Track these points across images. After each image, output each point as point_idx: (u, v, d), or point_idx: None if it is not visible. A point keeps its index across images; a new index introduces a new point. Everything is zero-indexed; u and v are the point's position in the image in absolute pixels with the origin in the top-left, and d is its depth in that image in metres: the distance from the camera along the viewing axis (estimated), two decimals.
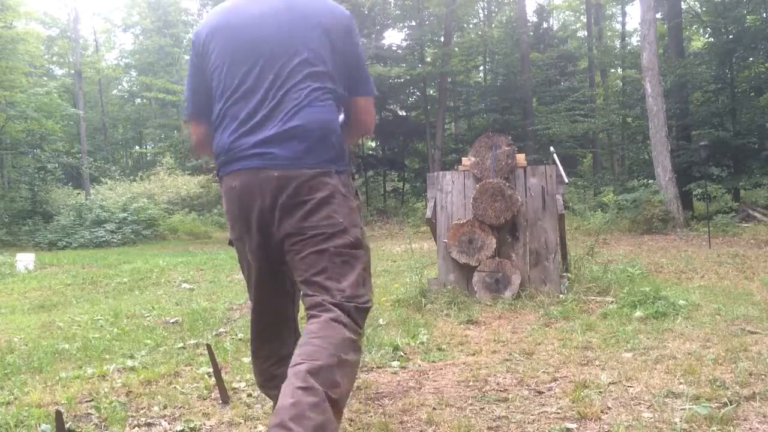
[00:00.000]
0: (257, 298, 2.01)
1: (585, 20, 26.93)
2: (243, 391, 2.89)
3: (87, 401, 2.84)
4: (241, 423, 2.47)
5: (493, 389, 2.76)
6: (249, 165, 1.75)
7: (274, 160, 1.73)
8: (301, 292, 1.79)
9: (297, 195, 1.73)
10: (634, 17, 43.37)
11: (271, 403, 2.67)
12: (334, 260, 1.73)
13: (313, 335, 1.62)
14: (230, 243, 2.00)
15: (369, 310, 1.78)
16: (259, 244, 1.83)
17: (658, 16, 16.67)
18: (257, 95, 1.77)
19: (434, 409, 2.53)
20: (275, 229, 1.77)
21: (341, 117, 1.91)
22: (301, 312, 1.93)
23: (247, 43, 1.80)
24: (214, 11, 1.92)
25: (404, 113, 23.93)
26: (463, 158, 5.52)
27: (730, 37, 16.18)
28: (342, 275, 1.73)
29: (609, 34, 30.22)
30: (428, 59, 22.48)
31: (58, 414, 2.22)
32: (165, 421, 2.55)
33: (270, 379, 2.05)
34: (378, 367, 3.25)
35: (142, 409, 2.71)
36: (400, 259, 9.25)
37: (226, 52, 1.82)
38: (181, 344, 4.02)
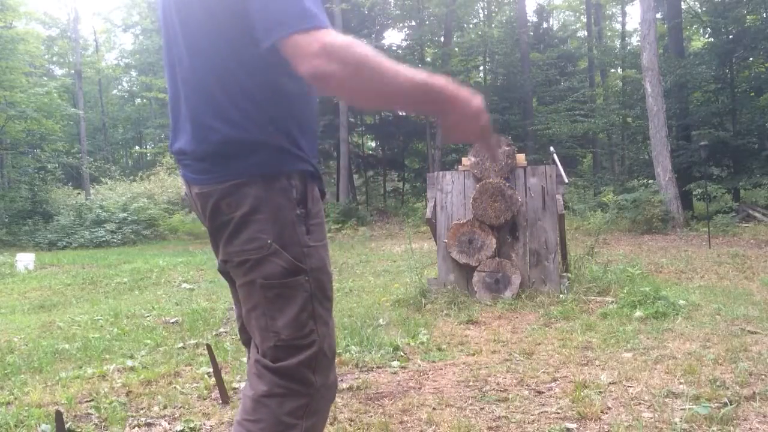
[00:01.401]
0: (237, 312, 1.59)
1: (585, 20, 26.93)
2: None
3: (87, 401, 2.84)
4: None
5: (493, 389, 2.76)
6: (183, 176, 1.45)
7: (191, 174, 1.40)
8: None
9: (216, 215, 1.37)
10: (634, 17, 43.36)
11: None
12: (265, 294, 1.35)
13: (244, 418, 1.35)
14: None
15: (321, 353, 1.37)
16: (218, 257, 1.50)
17: (658, 16, 16.67)
18: (171, 98, 1.46)
19: (434, 409, 2.53)
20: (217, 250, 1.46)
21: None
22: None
23: (168, 35, 1.43)
24: None
25: (404, 113, 23.91)
26: (463, 158, 5.52)
27: (730, 37, 16.18)
28: (276, 313, 1.35)
29: (609, 34, 30.22)
30: (428, 59, 22.48)
31: (58, 414, 2.22)
32: (165, 421, 2.55)
33: None
34: (378, 367, 3.25)
35: (142, 409, 2.71)
36: (400, 259, 9.25)
37: (163, 43, 1.49)
38: (181, 344, 4.02)
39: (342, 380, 3.02)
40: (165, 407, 2.71)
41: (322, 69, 1.13)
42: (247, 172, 1.34)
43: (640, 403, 2.48)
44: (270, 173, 1.35)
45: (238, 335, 1.60)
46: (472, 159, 5.23)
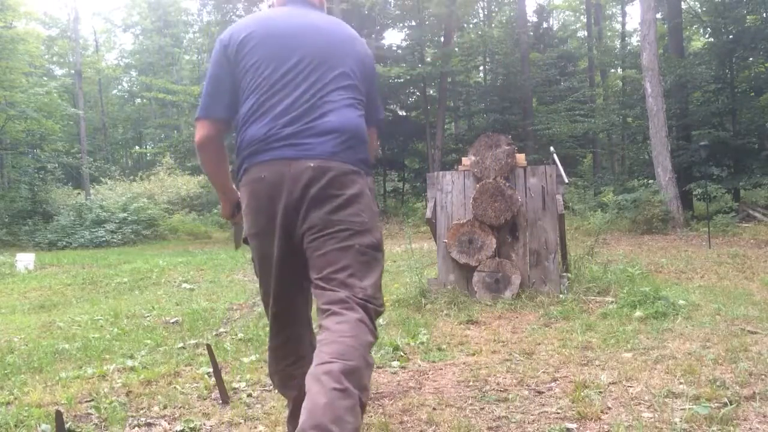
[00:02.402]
0: (276, 295, 1.87)
1: (585, 20, 26.93)
2: (243, 391, 2.89)
3: (87, 401, 2.84)
4: (241, 423, 2.47)
5: (493, 389, 2.76)
6: (281, 155, 1.74)
7: (310, 151, 1.73)
8: (314, 288, 1.76)
9: (329, 187, 1.72)
10: (634, 17, 43.39)
11: (272, 403, 2.68)
12: (359, 258, 1.72)
13: (344, 335, 1.59)
14: (245, 240, 1.93)
15: (380, 315, 1.77)
16: (281, 237, 1.78)
17: (658, 16, 16.66)
18: (297, 91, 1.79)
19: (434, 409, 2.53)
20: (299, 222, 1.75)
21: None
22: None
23: (290, 46, 1.84)
24: (251, 18, 1.95)
25: (404, 113, 23.89)
26: (463, 158, 5.52)
27: (730, 37, 16.18)
28: (364, 275, 1.73)
29: (609, 34, 30.22)
30: (428, 59, 22.46)
31: (58, 414, 2.22)
32: (165, 421, 2.55)
33: (288, 379, 1.96)
34: (378, 367, 3.25)
35: (142, 409, 2.71)
36: (400, 259, 9.24)
37: (267, 51, 1.84)
38: (181, 344, 4.02)
39: None
40: (165, 407, 2.71)
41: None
42: (360, 166, 1.80)
43: (640, 403, 2.48)
44: (369, 173, 1.87)
45: (273, 304, 1.89)
46: (472, 158, 5.23)
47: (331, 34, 1.90)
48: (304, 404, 1.49)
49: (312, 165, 1.72)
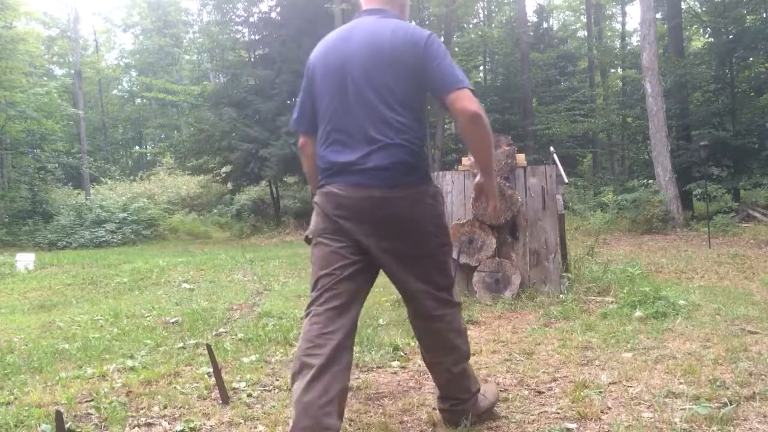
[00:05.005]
0: (347, 290, 2.07)
1: (585, 20, 26.92)
2: (243, 391, 2.89)
3: (87, 401, 2.84)
4: (241, 423, 2.47)
5: None
6: (351, 181, 2.02)
7: (369, 178, 1.99)
8: (402, 290, 2.17)
9: (395, 211, 2.00)
10: (634, 17, 43.38)
11: (271, 403, 2.68)
12: (434, 261, 2.11)
13: (439, 313, 2.15)
14: (307, 239, 2.20)
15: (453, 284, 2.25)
16: (357, 246, 2.05)
17: (658, 16, 16.67)
18: (350, 122, 2.05)
19: (434, 409, 2.53)
20: (373, 238, 2.03)
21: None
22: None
23: (339, 76, 2.08)
24: (321, 43, 2.22)
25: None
26: (463, 158, 5.52)
27: (730, 37, 16.17)
28: (441, 275, 2.14)
29: (609, 34, 30.21)
30: None
31: (58, 414, 2.22)
32: (165, 421, 2.55)
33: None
34: (378, 367, 3.25)
35: (142, 409, 2.71)
36: None
37: (324, 82, 2.12)
38: (181, 344, 4.02)
39: None
40: (165, 407, 2.70)
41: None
42: (417, 185, 2.07)
43: (640, 403, 2.48)
44: (428, 183, 2.15)
45: (328, 301, 2.06)
46: (472, 159, 5.22)
47: (377, 48, 2.05)
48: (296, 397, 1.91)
49: (378, 195, 1.99)
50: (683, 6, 17.79)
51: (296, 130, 2.27)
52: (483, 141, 2.00)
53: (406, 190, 2.01)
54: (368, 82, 2.03)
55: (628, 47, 23.54)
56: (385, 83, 2.02)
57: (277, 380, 3.06)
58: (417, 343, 2.36)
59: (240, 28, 23.05)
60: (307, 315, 2.06)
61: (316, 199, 2.14)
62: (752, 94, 16.41)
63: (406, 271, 2.09)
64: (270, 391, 2.91)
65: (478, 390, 2.30)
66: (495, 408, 2.40)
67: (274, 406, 2.64)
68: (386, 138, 2.00)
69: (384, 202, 1.99)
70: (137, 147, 37.48)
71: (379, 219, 2.01)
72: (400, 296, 5.32)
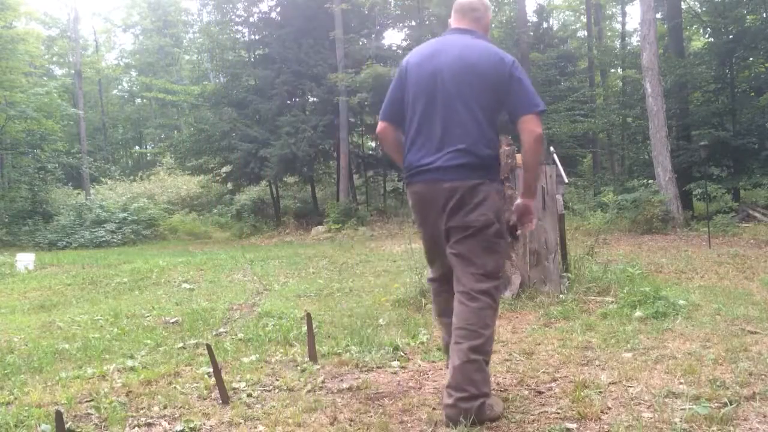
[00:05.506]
0: (435, 257, 2.64)
1: (585, 20, 26.91)
2: (243, 391, 2.89)
3: (87, 401, 2.84)
4: (241, 423, 2.47)
5: (493, 389, 2.76)
6: (428, 178, 2.44)
7: (446, 176, 2.39)
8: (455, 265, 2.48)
9: (462, 199, 2.39)
10: (634, 17, 43.39)
11: (272, 403, 2.68)
12: (482, 245, 2.42)
13: (472, 290, 2.40)
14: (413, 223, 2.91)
15: (500, 281, 2.55)
16: (433, 229, 2.53)
17: (658, 16, 16.66)
18: (436, 128, 2.42)
19: (434, 409, 2.53)
20: (443, 223, 2.45)
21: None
22: None
23: (431, 87, 2.44)
24: (417, 50, 2.59)
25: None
26: None
27: (730, 37, 16.16)
28: (487, 257, 2.44)
29: (609, 34, 30.19)
30: None
31: (58, 414, 2.22)
32: (165, 421, 2.55)
33: (445, 304, 2.62)
34: (378, 367, 3.25)
35: (142, 409, 2.71)
36: (400, 259, 9.24)
37: (417, 89, 2.48)
38: (181, 344, 4.02)
39: (342, 380, 3.03)
40: (165, 407, 2.71)
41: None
42: (482, 179, 2.42)
43: (640, 403, 2.48)
44: (494, 180, 2.50)
45: (436, 272, 2.69)
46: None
47: (467, 66, 2.41)
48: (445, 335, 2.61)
49: (449, 186, 2.39)
50: (683, 6, 17.78)
51: (381, 118, 2.62)
52: (536, 158, 2.46)
53: (473, 182, 2.39)
54: (457, 92, 2.39)
55: (628, 47, 23.52)
56: (472, 95, 2.39)
57: (277, 380, 3.06)
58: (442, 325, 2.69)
59: (240, 28, 23.06)
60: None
61: (407, 194, 2.61)
62: (752, 94, 16.39)
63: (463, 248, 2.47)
64: (270, 391, 2.91)
65: (487, 395, 2.33)
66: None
67: (274, 406, 2.64)
68: (466, 142, 2.38)
69: (453, 192, 2.39)
70: (137, 147, 37.46)
71: (449, 204, 2.41)
72: (399, 296, 5.33)
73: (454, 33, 2.55)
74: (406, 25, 22.97)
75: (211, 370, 2.95)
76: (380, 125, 2.64)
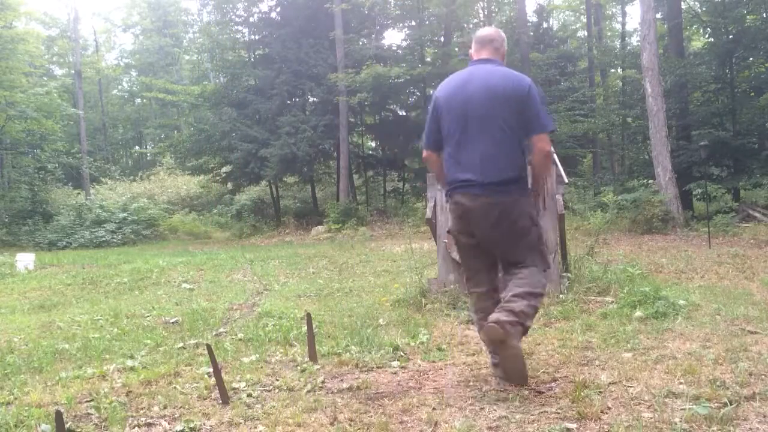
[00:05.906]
0: (476, 266, 3.01)
1: (585, 20, 26.90)
2: (243, 391, 2.89)
3: (87, 401, 2.84)
4: (241, 423, 2.47)
5: (493, 389, 2.76)
6: (468, 192, 2.82)
7: (485, 190, 2.78)
8: (503, 265, 2.94)
9: (502, 213, 2.80)
10: (634, 17, 43.39)
11: (272, 403, 2.69)
12: (525, 245, 2.86)
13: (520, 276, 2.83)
14: (448, 231, 3.31)
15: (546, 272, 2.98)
16: (476, 238, 2.91)
17: (658, 16, 16.66)
18: (470, 150, 2.82)
19: (434, 409, 2.53)
20: (485, 232, 2.86)
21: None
22: None
23: (462, 115, 2.84)
24: (446, 83, 2.98)
25: (404, 113, 23.86)
26: None
27: (730, 37, 16.15)
28: (529, 255, 2.88)
29: (609, 34, 30.19)
30: (428, 59, 22.45)
31: (58, 414, 2.22)
32: (165, 421, 2.55)
33: (484, 310, 2.93)
34: (378, 367, 3.25)
35: (142, 409, 2.71)
36: (400, 259, 9.25)
37: (450, 116, 2.88)
38: (181, 344, 4.02)
39: (342, 380, 3.03)
40: (165, 407, 2.71)
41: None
42: (518, 194, 2.85)
43: (640, 403, 2.48)
44: (526, 193, 2.93)
45: (481, 284, 3.01)
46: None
47: (492, 91, 2.80)
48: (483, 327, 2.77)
49: (488, 201, 2.79)
50: (683, 6, 17.76)
51: (425, 148, 3.07)
52: (545, 170, 2.98)
53: (511, 197, 2.79)
54: (487, 116, 2.78)
55: (628, 47, 23.50)
56: (500, 117, 2.77)
57: (277, 380, 3.06)
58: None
59: (240, 28, 23.05)
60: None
61: (449, 205, 2.99)
62: (752, 94, 16.37)
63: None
64: (270, 391, 2.91)
65: (526, 331, 2.75)
66: (505, 380, 2.79)
67: (274, 406, 2.64)
68: (498, 160, 2.77)
69: (494, 206, 2.78)
70: (137, 147, 37.46)
71: (493, 218, 2.79)
72: (399, 296, 5.33)
73: (477, 64, 2.96)
74: (406, 25, 22.96)
75: (211, 370, 2.95)
76: (425, 153, 3.10)
